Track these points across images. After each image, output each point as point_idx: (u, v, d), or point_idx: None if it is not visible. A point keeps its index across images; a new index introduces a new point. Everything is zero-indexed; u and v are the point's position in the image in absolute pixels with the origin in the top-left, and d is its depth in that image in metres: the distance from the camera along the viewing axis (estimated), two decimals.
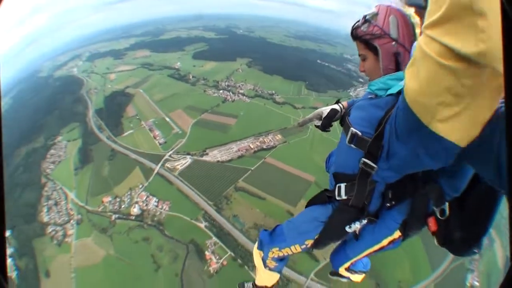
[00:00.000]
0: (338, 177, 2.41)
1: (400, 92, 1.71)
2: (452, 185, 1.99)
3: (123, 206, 41.96)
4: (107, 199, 43.06)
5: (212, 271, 34.07)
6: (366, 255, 2.75)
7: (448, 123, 1.31)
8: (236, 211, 40.82)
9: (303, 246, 2.74)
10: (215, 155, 51.08)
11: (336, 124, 2.81)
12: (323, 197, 2.63)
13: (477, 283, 32.89)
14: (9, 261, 34.75)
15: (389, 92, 2.01)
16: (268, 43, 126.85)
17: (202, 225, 39.08)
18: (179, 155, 51.23)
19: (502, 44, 0.79)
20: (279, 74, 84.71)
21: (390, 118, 1.82)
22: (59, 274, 34.85)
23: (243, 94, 73.00)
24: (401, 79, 1.88)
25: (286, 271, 32.28)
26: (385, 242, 2.46)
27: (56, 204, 43.30)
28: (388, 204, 2.25)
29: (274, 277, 3.47)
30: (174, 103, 67.90)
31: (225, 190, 43.93)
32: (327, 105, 2.87)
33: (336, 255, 3.03)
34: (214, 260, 35.02)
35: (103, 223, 40.11)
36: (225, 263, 34.96)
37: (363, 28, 2.08)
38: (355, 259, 2.86)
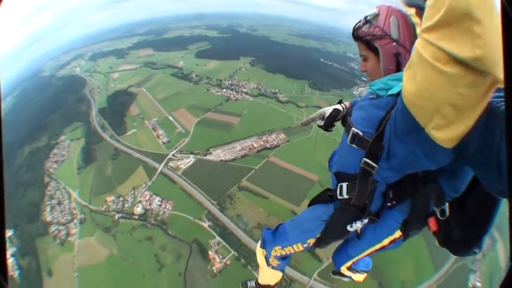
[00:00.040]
0: (340, 177, 2.45)
1: (400, 93, 1.67)
2: (452, 186, 2.00)
3: (126, 206, 42.00)
4: (110, 198, 43.11)
5: (215, 271, 34.07)
6: (368, 254, 2.78)
7: (444, 131, 1.33)
8: (240, 210, 40.83)
9: (305, 245, 2.78)
10: (218, 154, 51.10)
11: (339, 124, 2.81)
12: (325, 196, 2.68)
13: (479, 284, 32.89)
14: (11, 260, 35.18)
15: (389, 92, 2.03)
16: (271, 42, 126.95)
17: (206, 224, 39.06)
18: (182, 154, 51.25)
19: (502, 45, 0.83)
20: (282, 72, 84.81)
21: (390, 119, 1.83)
22: (62, 273, 34.98)
23: (246, 93, 73.09)
24: (402, 80, 1.81)
25: (290, 271, 32.46)
26: (386, 241, 2.50)
27: (59, 203, 43.45)
28: (389, 204, 2.28)
29: (277, 275, 3.53)
30: (177, 102, 68.00)
31: (228, 190, 43.90)
32: (330, 104, 2.91)
33: (338, 254, 3.09)
34: (218, 259, 35.05)
35: (107, 223, 40.14)
36: (228, 262, 34.95)
37: (364, 28, 2.09)
38: (356, 258, 2.90)
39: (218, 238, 37.33)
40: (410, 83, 1.39)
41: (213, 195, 42.89)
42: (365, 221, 2.40)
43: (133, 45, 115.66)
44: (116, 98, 71.96)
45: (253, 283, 3.98)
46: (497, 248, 31.49)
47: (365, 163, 2.06)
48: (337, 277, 3.61)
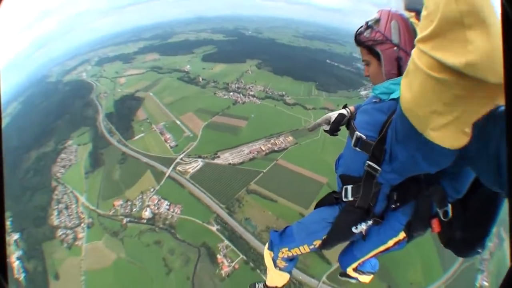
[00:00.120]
0: (344, 179, 2.48)
1: None
2: (454, 187, 2.04)
3: (134, 210, 42.07)
4: (118, 202, 43.22)
5: (224, 275, 34.19)
6: (373, 256, 2.82)
7: (441, 131, 1.36)
8: (248, 214, 40.78)
9: (312, 246, 2.81)
10: (226, 158, 51.13)
11: (344, 128, 2.83)
12: (331, 199, 2.73)
13: (486, 283, 33.11)
14: (17, 263, 35.55)
15: (391, 96, 2.02)
16: (277, 44, 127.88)
17: (214, 228, 39.06)
18: (190, 158, 51.30)
19: (502, 45, 0.87)
20: (289, 75, 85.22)
21: (391, 123, 1.85)
22: (69, 277, 35.22)
23: (253, 96, 73.37)
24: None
25: (299, 274, 32.77)
26: (390, 243, 2.53)
27: (66, 207, 43.68)
28: (393, 206, 2.31)
29: (284, 277, 3.60)
30: (184, 106, 68.31)
31: (237, 193, 43.88)
32: (337, 106, 2.91)
33: (344, 256, 3.13)
34: (226, 263, 35.11)
35: (114, 227, 40.26)
36: (237, 266, 35.06)
37: (366, 34, 2.09)
38: (362, 259, 2.94)
39: (226, 242, 37.34)
40: (407, 91, 1.43)
41: (221, 198, 42.84)
42: (370, 222, 2.44)
43: (139, 50, 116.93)
44: (123, 102, 72.42)
45: (261, 285, 4.07)
46: (504, 247, 31.63)
47: (369, 166, 2.11)
48: (344, 278, 3.71)
